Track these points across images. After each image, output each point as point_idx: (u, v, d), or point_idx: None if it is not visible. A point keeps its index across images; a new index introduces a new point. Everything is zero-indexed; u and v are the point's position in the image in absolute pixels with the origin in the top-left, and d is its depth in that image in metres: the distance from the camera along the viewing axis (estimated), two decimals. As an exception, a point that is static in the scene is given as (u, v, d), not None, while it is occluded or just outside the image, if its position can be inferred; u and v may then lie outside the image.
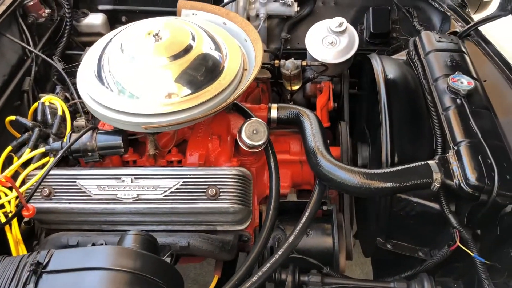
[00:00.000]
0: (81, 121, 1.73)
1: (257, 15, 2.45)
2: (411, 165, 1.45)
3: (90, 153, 1.60)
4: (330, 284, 1.58)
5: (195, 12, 1.92)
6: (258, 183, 1.73)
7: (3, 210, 1.52)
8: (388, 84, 1.75)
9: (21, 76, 2.11)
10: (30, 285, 1.14)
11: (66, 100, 1.91)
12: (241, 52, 1.74)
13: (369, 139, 1.93)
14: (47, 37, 2.34)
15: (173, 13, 1.98)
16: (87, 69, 1.67)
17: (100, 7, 2.64)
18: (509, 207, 1.41)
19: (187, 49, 1.58)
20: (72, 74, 1.97)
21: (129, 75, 1.57)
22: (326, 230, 1.71)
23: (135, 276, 1.17)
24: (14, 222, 1.53)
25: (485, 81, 1.75)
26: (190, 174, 1.56)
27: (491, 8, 2.69)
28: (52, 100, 1.82)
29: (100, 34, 2.45)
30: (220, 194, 1.52)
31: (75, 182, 1.57)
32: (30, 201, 1.51)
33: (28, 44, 2.20)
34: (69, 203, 1.54)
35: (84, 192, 1.55)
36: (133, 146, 1.71)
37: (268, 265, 1.44)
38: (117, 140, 1.59)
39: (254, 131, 1.61)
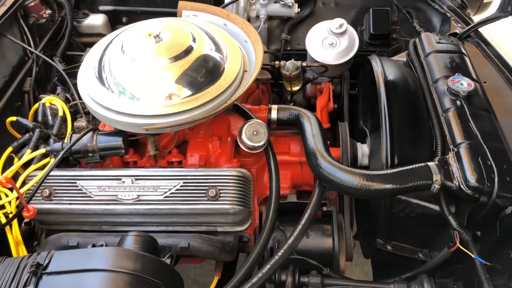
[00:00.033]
0: (81, 122, 1.74)
1: (257, 16, 2.45)
2: (411, 166, 1.46)
3: (90, 154, 1.60)
4: (330, 285, 1.58)
5: (196, 13, 1.93)
6: (258, 184, 1.74)
7: (4, 210, 1.52)
8: (388, 86, 1.75)
9: (22, 77, 2.11)
10: (30, 286, 1.14)
11: (66, 101, 1.91)
12: (241, 54, 1.75)
13: (369, 140, 1.93)
14: (48, 38, 2.34)
15: (174, 14, 1.98)
16: (88, 70, 1.67)
17: (101, 7, 2.64)
18: (509, 209, 1.41)
19: (188, 51, 1.58)
20: (73, 75, 1.97)
21: (129, 76, 1.57)
22: (326, 231, 1.71)
23: (135, 277, 1.17)
24: (15, 223, 1.53)
25: (485, 82, 1.75)
26: (190, 175, 1.56)
27: (491, 9, 2.70)
28: (53, 101, 1.82)
29: (101, 35, 2.45)
30: (221, 195, 1.52)
31: (75, 183, 1.57)
32: (31, 202, 1.51)
33: (29, 45, 2.20)
34: (70, 204, 1.54)
35: (85, 193, 1.55)
36: (134, 147, 1.71)
37: (268, 266, 1.44)
38: (118, 141, 1.59)
39: (254, 132, 1.61)
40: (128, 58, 1.58)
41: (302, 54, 2.23)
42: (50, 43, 2.37)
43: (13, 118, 1.77)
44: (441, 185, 1.42)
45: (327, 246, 1.68)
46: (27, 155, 1.65)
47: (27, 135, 1.74)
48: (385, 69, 1.82)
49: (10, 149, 1.71)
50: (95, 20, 2.55)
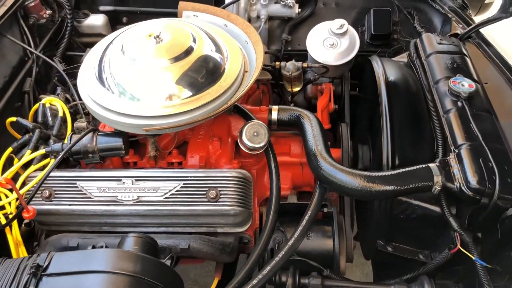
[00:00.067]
0: (81, 123, 1.73)
1: (258, 17, 2.45)
2: (412, 168, 1.45)
3: (90, 155, 1.59)
4: (330, 287, 1.58)
5: (196, 13, 1.92)
6: (258, 185, 1.73)
7: (4, 211, 1.52)
8: (389, 87, 1.75)
9: (22, 77, 2.11)
10: (30, 287, 1.14)
11: (66, 101, 1.91)
12: (242, 54, 1.74)
13: (369, 141, 1.93)
14: (48, 38, 2.34)
15: (174, 14, 1.98)
16: (88, 70, 1.67)
17: (101, 8, 2.64)
18: (510, 211, 1.40)
19: (188, 51, 1.58)
20: (73, 75, 1.97)
21: (130, 77, 1.57)
22: (327, 232, 1.71)
23: (135, 279, 1.17)
24: (15, 223, 1.52)
25: (486, 83, 1.75)
26: (190, 176, 1.56)
27: (492, 10, 2.69)
28: (53, 102, 1.82)
29: (101, 35, 2.45)
30: (221, 196, 1.52)
31: (75, 183, 1.57)
32: (31, 202, 1.51)
33: (29, 45, 2.20)
34: (70, 204, 1.54)
35: (85, 194, 1.55)
36: (134, 148, 1.71)
37: (268, 268, 1.44)
38: (118, 142, 1.59)
39: (255, 133, 1.61)
40: (129, 58, 1.58)
41: (302, 55, 2.23)
42: (50, 43, 2.37)
43: (13, 119, 1.77)
44: (442, 187, 1.41)
45: (328, 247, 1.68)
46: (27, 155, 1.65)
47: (27, 135, 1.74)
48: (386, 70, 1.82)
49: (10, 149, 1.71)
50: (95, 20, 2.55)
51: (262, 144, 1.60)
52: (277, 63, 2.07)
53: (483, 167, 1.41)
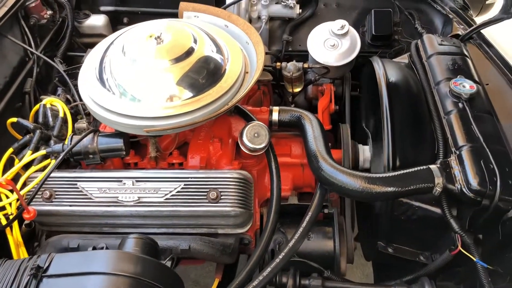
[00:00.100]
0: (82, 123, 1.73)
1: (259, 17, 2.45)
2: (413, 169, 1.45)
3: (91, 156, 1.59)
4: (331, 288, 1.58)
5: (197, 14, 1.92)
6: (259, 186, 1.73)
7: (4, 212, 1.52)
8: (390, 88, 1.74)
9: (22, 77, 2.11)
10: (31, 289, 1.14)
11: (67, 102, 1.91)
12: (242, 55, 1.74)
13: (370, 142, 1.92)
14: (48, 39, 2.34)
15: (175, 15, 1.97)
16: (89, 71, 1.67)
17: (102, 8, 2.64)
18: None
19: (189, 52, 1.58)
20: (74, 76, 1.97)
21: (130, 78, 1.57)
22: (327, 233, 1.71)
23: (135, 280, 1.17)
24: (15, 224, 1.52)
25: (487, 84, 1.75)
26: (191, 177, 1.56)
27: (494, 11, 2.69)
28: (54, 102, 1.82)
29: (102, 35, 2.45)
30: (221, 197, 1.52)
31: (76, 184, 1.57)
32: (31, 203, 1.50)
33: (30, 45, 2.20)
34: (70, 205, 1.54)
35: (85, 194, 1.55)
36: (135, 148, 1.71)
37: (269, 269, 1.44)
38: (119, 143, 1.59)
39: (256, 134, 1.61)
40: (129, 59, 1.58)
41: (303, 55, 2.23)
42: (51, 43, 2.37)
43: (14, 119, 1.77)
44: (443, 188, 1.41)
45: (328, 249, 1.68)
46: (28, 156, 1.64)
47: (27, 136, 1.74)
48: (387, 71, 1.82)
49: (10, 150, 1.71)
50: (96, 20, 2.54)
51: (263, 145, 1.60)
52: (278, 63, 2.07)
53: (484, 168, 1.40)
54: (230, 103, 1.57)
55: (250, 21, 2.44)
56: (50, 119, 1.77)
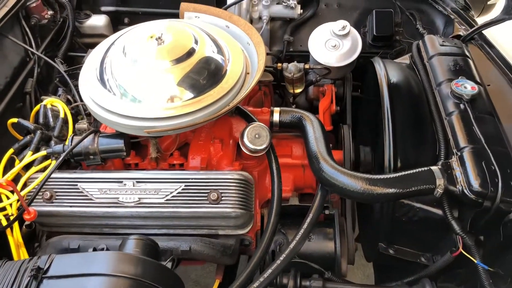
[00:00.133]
0: (83, 124, 1.72)
1: (260, 17, 2.45)
2: (414, 170, 1.45)
3: (92, 156, 1.59)
4: (331, 289, 1.57)
5: (198, 14, 1.92)
6: (260, 187, 1.73)
7: (5, 212, 1.52)
8: (391, 89, 1.74)
9: (23, 78, 2.11)
10: (31, 290, 1.14)
11: (68, 102, 1.90)
12: (243, 56, 1.74)
13: (371, 143, 1.92)
14: (49, 39, 2.33)
15: (176, 15, 1.97)
16: (90, 71, 1.67)
17: (103, 8, 2.64)
18: (513, 214, 1.40)
19: (190, 53, 1.57)
20: (75, 76, 1.97)
21: (131, 79, 1.57)
22: (328, 234, 1.70)
23: (135, 282, 1.17)
24: (15, 225, 1.52)
25: (488, 85, 1.74)
26: (192, 178, 1.56)
27: (495, 11, 2.68)
28: (54, 103, 1.81)
29: (102, 36, 2.46)
30: (222, 198, 1.52)
31: (76, 185, 1.57)
32: (32, 204, 1.50)
33: (31, 45, 2.19)
34: (71, 206, 1.54)
35: (86, 195, 1.55)
36: (135, 149, 1.71)
37: (269, 270, 1.43)
38: (119, 144, 1.59)
39: (256, 136, 1.60)
40: (130, 60, 1.58)
41: (304, 56, 2.23)
42: (52, 44, 2.37)
43: (14, 120, 1.77)
44: (444, 190, 1.41)
45: (329, 250, 1.67)
46: (28, 157, 1.64)
47: (28, 136, 1.74)
48: (388, 72, 1.82)
49: (11, 150, 1.71)
50: (97, 21, 2.54)
51: (264, 146, 1.60)
52: (279, 64, 2.06)
53: (486, 170, 1.40)
54: (231, 104, 1.57)
55: (251, 21, 2.44)
56: (51, 120, 1.77)
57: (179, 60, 1.55)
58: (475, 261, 1.39)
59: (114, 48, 1.66)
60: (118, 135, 1.60)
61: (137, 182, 1.55)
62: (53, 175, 1.53)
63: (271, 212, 1.57)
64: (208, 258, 1.55)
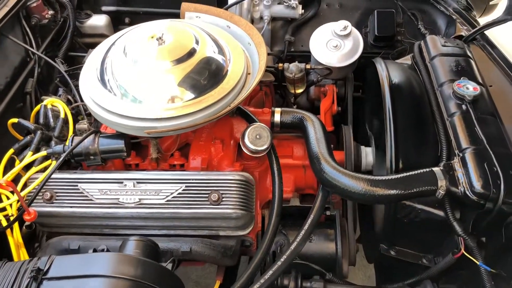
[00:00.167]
0: (83, 124, 1.72)
1: (261, 17, 2.44)
2: (416, 172, 1.44)
3: (92, 157, 1.59)
4: (332, 291, 1.57)
5: (199, 15, 1.92)
6: (260, 187, 1.72)
7: (5, 213, 1.51)
8: (393, 89, 1.73)
9: (23, 78, 2.10)
10: (31, 291, 1.14)
11: (68, 102, 1.90)
12: (244, 56, 1.73)
13: (373, 143, 1.91)
14: (50, 39, 2.33)
15: (177, 15, 1.97)
16: (90, 72, 1.67)
17: (104, 8, 2.63)
18: (515, 215, 1.39)
19: (191, 53, 1.57)
20: (75, 76, 1.96)
21: (132, 79, 1.56)
22: (329, 235, 1.70)
23: (136, 283, 1.16)
24: (15, 225, 1.52)
25: (491, 86, 1.74)
26: (192, 179, 1.55)
27: (497, 11, 2.68)
28: (55, 103, 1.81)
29: (103, 36, 2.45)
30: (223, 199, 1.51)
31: (77, 186, 1.56)
32: (32, 204, 1.50)
33: (31, 45, 2.19)
34: (71, 207, 1.54)
35: (86, 196, 1.55)
36: (136, 149, 1.70)
37: (270, 272, 1.43)
38: (120, 144, 1.58)
39: (257, 136, 1.60)
40: (131, 60, 1.57)
41: (306, 56, 2.22)
42: (52, 43, 2.37)
43: (15, 120, 1.76)
44: (446, 191, 1.40)
45: (330, 251, 1.67)
46: (29, 157, 1.64)
47: (28, 137, 1.73)
48: (390, 73, 1.81)
49: (11, 151, 1.70)
50: (98, 20, 2.54)
51: (265, 147, 1.59)
52: (280, 64, 2.05)
53: (488, 171, 1.39)
54: (232, 105, 1.56)
55: (252, 21, 2.43)
56: (51, 120, 1.77)
57: (180, 61, 1.55)
58: (477, 262, 1.39)
59: (114, 48, 1.66)
60: (119, 135, 1.60)
61: (138, 182, 1.55)
62: (53, 176, 1.53)
63: (272, 213, 1.56)
64: (209, 259, 1.55)
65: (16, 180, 1.59)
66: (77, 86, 1.84)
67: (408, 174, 1.44)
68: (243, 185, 1.55)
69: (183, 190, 1.53)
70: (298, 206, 1.77)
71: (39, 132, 1.71)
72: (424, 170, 1.44)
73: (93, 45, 1.90)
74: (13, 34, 2.12)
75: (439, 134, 1.58)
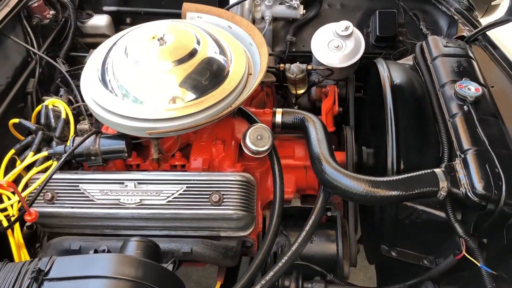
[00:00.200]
0: (84, 125, 1.72)
1: (262, 18, 2.44)
2: (417, 173, 1.43)
3: (93, 157, 1.59)
4: (333, 292, 1.57)
5: (200, 15, 1.91)
6: (262, 188, 1.72)
7: (6, 213, 1.51)
8: (394, 90, 1.73)
9: (25, 78, 2.10)
10: (32, 292, 1.14)
11: (69, 103, 1.90)
12: (246, 56, 1.73)
13: (374, 144, 1.91)
14: (51, 39, 2.33)
15: (178, 15, 1.97)
16: (91, 72, 1.67)
17: (105, 8, 2.64)
18: (517, 217, 1.39)
19: (192, 54, 1.57)
20: (76, 76, 1.96)
21: (133, 79, 1.56)
22: (330, 236, 1.69)
23: (136, 284, 1.16)
24: (16, 226, 1.52)
25: (492, 87, 1.73)
26: (193, 180, 1.55)
27: (499, 12, 2.67)
28: (56, 103, 1.81)
29: (104, 36, 2.45)
30: (224, 200, 1.51)
31: (78, 186, 1.56)
32: (33, 205, 1.50)
33: (32, 46, 2.19)
34: (72, 207, 1.54)
35: (87, 196, 1.55)
36: (137, 150, 1.70)
37: (271, 273, 1.43)
38: (121, 145, 1.58)
39: (259, 137, 1.59)
40: (132, 60, 1.57)
41: (307, 56, 2.21)
42: (54, 44, 2.37)
43: (16, 120, 1.77)
44: (447, 192, 1.40)
45: (331, 252, 1.67)
46: (30, 157, 1.64)
47: (29, 137, 1.73)
48: (391, 73, 1.81)
49: (12, 151, 1.70)
50: (99, 20, 2.54)
51: (266, 147, 1.59)
52: (282, 65, 2.05)
53: (490, 172, 1.39)
54: (233, 105, 1.56)
55: (253, 21, 2.43)
56: (52, 120, 1.77)
57: (181, 61, 1.55)
58: (479, 264, 1.38)
59: (116, 49, 1.66)
60: (120, 136, 1.60)
61: (139, 183, 1.55)
62: (54, 176, 1.53)
63: (273, 213, 1.56)
64: (210, 260, 1.55)
65: (17, 180, 1.59)
66: (78, 87, 1.83)
67: (409, 175, 1.43)
68: (244, 185, 1.55)
69: (184, 190, 1.53)
70: (299, 207, 1.76)
71: (40, 132, 1.71)
72: (426, 171, 1.43)
73: (94, 45, 1.90)
74: (14, 34, 2.12)
75: (441, 135, 1.58)
